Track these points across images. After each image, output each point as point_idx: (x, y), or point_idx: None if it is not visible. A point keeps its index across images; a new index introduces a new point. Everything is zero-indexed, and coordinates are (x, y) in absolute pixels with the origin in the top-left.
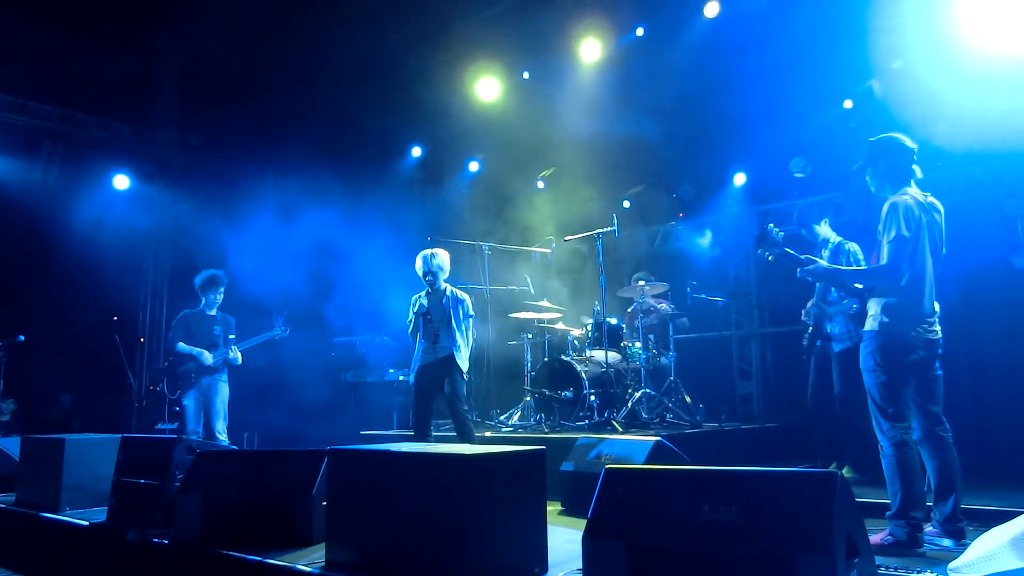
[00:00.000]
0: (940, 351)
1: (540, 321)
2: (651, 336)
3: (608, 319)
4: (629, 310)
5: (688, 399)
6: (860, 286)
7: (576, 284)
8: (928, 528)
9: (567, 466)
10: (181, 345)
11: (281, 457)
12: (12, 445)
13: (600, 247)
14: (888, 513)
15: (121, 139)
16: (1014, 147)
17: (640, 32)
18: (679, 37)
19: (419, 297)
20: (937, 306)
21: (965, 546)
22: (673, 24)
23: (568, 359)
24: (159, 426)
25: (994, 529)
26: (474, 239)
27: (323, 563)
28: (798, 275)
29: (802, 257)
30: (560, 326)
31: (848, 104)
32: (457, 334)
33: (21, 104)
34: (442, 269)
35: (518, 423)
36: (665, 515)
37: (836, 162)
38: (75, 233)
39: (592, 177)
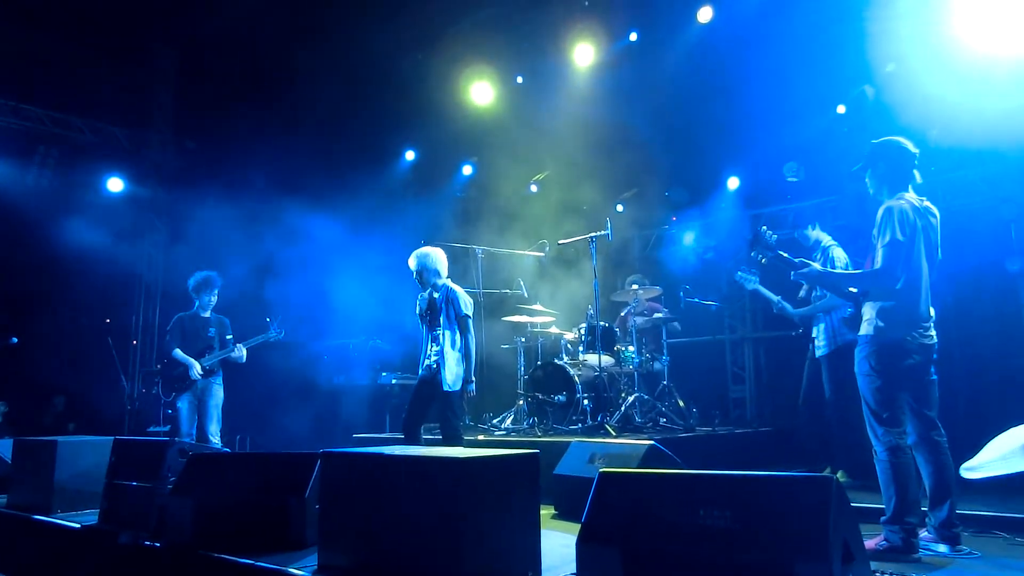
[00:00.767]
0: (935, 356)
1: (533, 325)
2: (644, 340)
3: (601, 323)
4: (622, 314)
5: (681, 403)
6: (854, 290)
7: (569, 288)
8: (923, 534)
9: (560, 470)
10: (177, 352)
11: (274, 460)
12: (4, 447)
13: (593, 251)
14: (883, 518)
15: (115, 143)
16: (1008, 150)
17: (633, 37)
18: (672, 42)
19: (419, 297)
20: (933, 311)
21: (961, 552)
22: (666, 29)
23: (561, 363)
24: (152, 428)
25: (1008, 431)
26: (467, 242)
27: (315, 567)
28: (792, 278)
29: (796, 260)
30: (553, 330)
31: (841, 109)
32: (446, 335)
33: (15, 107)
34: (428, 268)
35: (511, 427)
36: (660, 519)
37: (830, 166)
38: (68, 236)
39: (585, 181)
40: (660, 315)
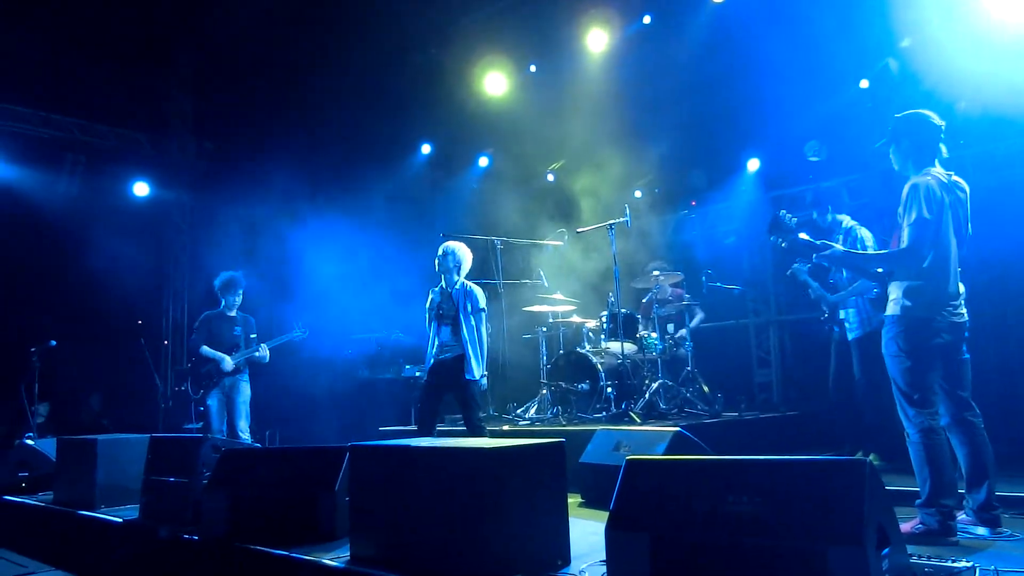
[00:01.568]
0: (967, 334)
1: (554, 314)
2: (667, 326)
3: (623, 310)
4: (644, 300)
5: (706, 389)
6: (881, 270)
7: (589, 276)
8: (961, 516)
9: (586, 458)
10: (205, 348)
11: (304, 454)
12: (48, 446)
13: (612, 238)
14: (918, 501)
15: (139, 148)
16: None
17: (647, 20)
18: (687, 23)
19: (432, 291)
20: (963, 288)
21: (1001, 535)
22: (680, 10)
23: (584, 351)
24: (186, 426)
25: None
26: (486, 234)
27: (348, 557)
28: (813, 260)
29: (818, 242)
30: (575, 318)
31: (864, 84)
32: (464, 330)
33: (45, 117)
34: (449, 264)
35: (535, 416)
36: (689, 506)
37: (853, 144)
38: (99, 240)
39: (602, 168)
40: (685, 301)
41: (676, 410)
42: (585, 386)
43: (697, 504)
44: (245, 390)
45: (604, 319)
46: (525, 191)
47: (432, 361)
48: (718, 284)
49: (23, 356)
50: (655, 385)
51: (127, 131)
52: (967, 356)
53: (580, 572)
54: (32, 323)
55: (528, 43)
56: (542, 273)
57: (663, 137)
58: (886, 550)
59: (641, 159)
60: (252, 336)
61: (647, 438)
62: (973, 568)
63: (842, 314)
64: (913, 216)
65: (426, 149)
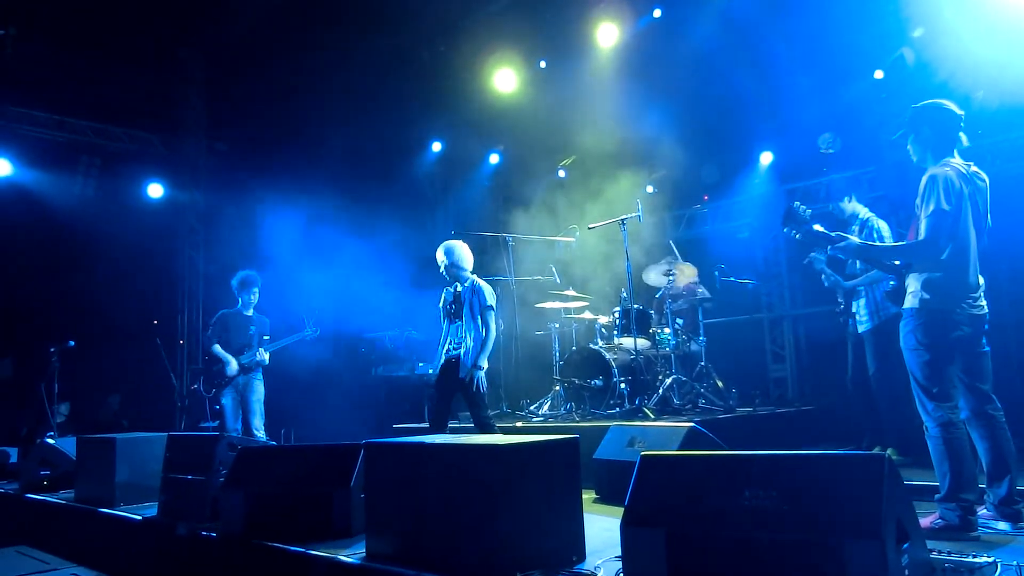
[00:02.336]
0: (987, 327)
1: (567, 310)
2: (680, 321)
3: (636, 305)
4: (657, 296)
5: (720, 384)
6: (899, 262)
7: (601, 272)
8: (982, 511)
9: (600, 454)
10: (216, 348)
11: (319, 451)
12: (69, 445)
13: (624, 233)
14: (937, 496)
15: (153, 149)
16: None
17: (657, 13)
18: (698, 15)
19: (445, 290)
20: (982, 280)
21: (1023, 530)
22: (691, 3)
23: (596, 347)
24: (202, 424)
25: None
26: (497, 231)
27: (364, 554)
28: (828, 252)
29: (832, 234)
30: (587, 314)
31: (879, 75)
32: (471, 327)
33: (59, 121)
34: (455, 262)
35: (548, 412)
36: (705, 501)
37: (867, 136)
38: (114, 241)
39: (614, 163)
40: (698, 295)
41: (690, 405)
42: (598, 382)
43: (713, 499)
44: (259, 389)
45: (617, 315)
46: (536, 187)
47: (442, 359)
48: (732, 278)
49: (42, 356)
50: (669, 381)
51: (141, 133)
52: (987, 349)
53: (595, 568)
54: (50, 323)
55: (538, 39)
56: (554, 269)
57: (675, 131)
58: (905, 544)
59: (653, 154)
60: (265, 337)
61: (661, 434)
62: (995, 564)
63: (853, 307)
64: (931, 207)
65: (437, 146)
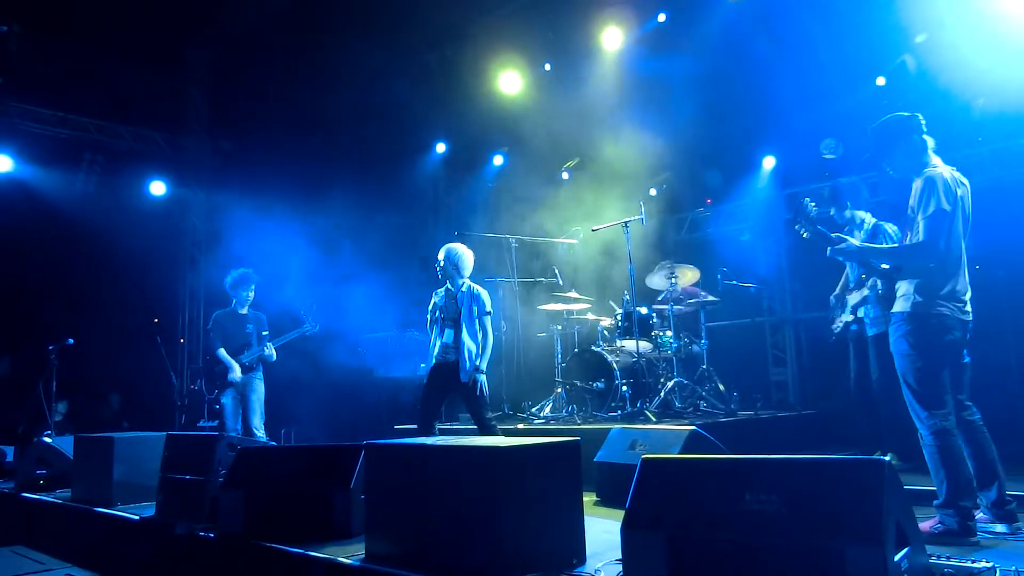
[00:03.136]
0: (970, 335)
1: (569, 312)
2: (682, 324)
3: (638, 308)
4: (659, 299)
5: (722, 387)
6: (887, 266)
7: (604, 274)
8: (979, 515)
9: (601, 457)
10: (221, 352)
11: (319, 452)
12: (66, 444)
13: (627, 236)
14: (936, 502)
15: (156, 147)
16: None
17: (662, 18)
18: (702, 21)
19: (435, 294)
20: (968, 285)
21: (1020, 531)
22: (696, 8)
23: (599, 350)
24: (201, 423)
25: None
26: (500, 232)
27: (363, 555)
28: (827, 255)
29: (832, 236)
30: (590, 317)
31: (881, 81)
32: (465, 332)
33: (63, 118)
34: (455, 264)
35: (550, 415)
36: (706, 505)
37: (869, 141)
38: (116, 239)
39: (617, 166)
40: (699, 299)
41: (691, 409)
42: (600, 384)
43: (714, 503)
44: (259, 388)
45: (619, 317)
46: (540, 189)
47: (433, 363)
48: (734, 282)
49: (41, 354)
50: (670, 384)
51: (144, 130)
52: (968, 360)
53: (596, 571)
54: (50, 321)
55: (543, 42)
56: (557, 271)
57: (678, 135)
58: (905, 549)
59: (656, 157)
60: (264, 333)
61: (663, 437)
62: (993, 568)
63: (861, 311)
64: (931, 208)
65: (441, 148)
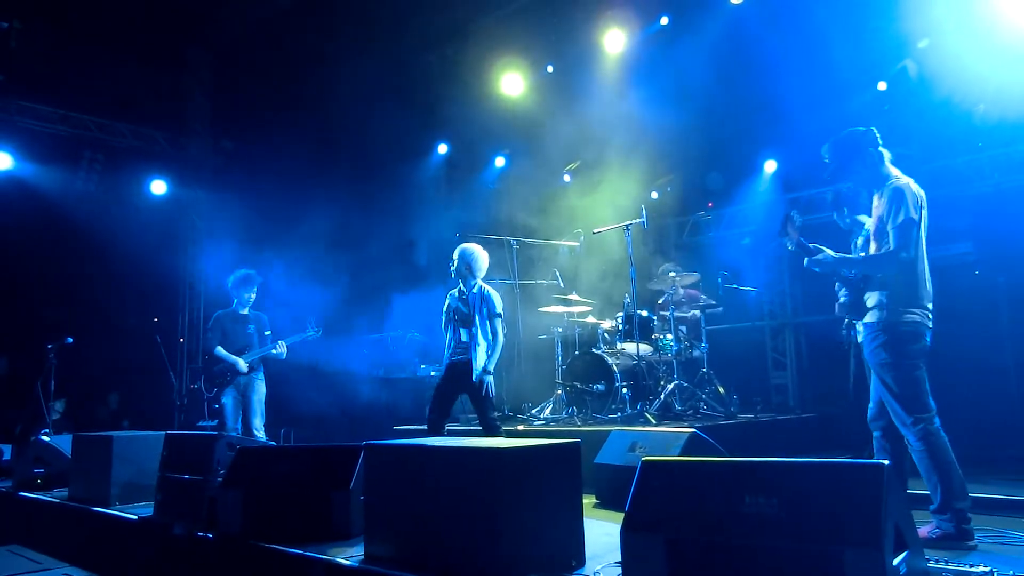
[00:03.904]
0: (930, 343)
1: (570, 315)
2: (683, 327)
3: (639, 311)
4: (660, 302)
5: (722, 390)
6: (853, 273)
7: (606, 277)
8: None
9: (601, 459)
10: (219, 350)
11: (319, 453)
12: (64, 443)
13: (629, 239)
14: (931, 507)
15: (157, 146)
16: None
17: (664, 21)
18: (704, 24)
19: (449, 295)
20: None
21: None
22: (698, 11)
23: (599, 352)
24: (200, 423)
25: None
26: (502, 234)
27: (362, 556)
28: (804, 265)
29: (810, 246)
30: (590, 319)
31: (882, 86)
32: (479, 334)
33: (63, 115)
34: (470, 265)
35: (550, 416)
36: (705, 508)
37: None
38: (116, 238)
39: (619, 169)
40: (699, 302)
41: (691, 411)
42: (600, 387)
43: (713, 506)
44: (260, 388)
45: (620, 320)
46: (542, 191)
47: (447, 363)
48: (735, 285)
49: (40, 352)
50: (670, 386)
51: (145, 129)
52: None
53: (595, 573)
54: (49, 319)
55: (545, 43)
56: (558, 273)
57: (680, 138)
58: (904, 553)
59: (658, 160)
60: (266, 333)
61: (663, 439)
62: (991, 573)
63: None
64: (901, 218)
65: (443, 149)
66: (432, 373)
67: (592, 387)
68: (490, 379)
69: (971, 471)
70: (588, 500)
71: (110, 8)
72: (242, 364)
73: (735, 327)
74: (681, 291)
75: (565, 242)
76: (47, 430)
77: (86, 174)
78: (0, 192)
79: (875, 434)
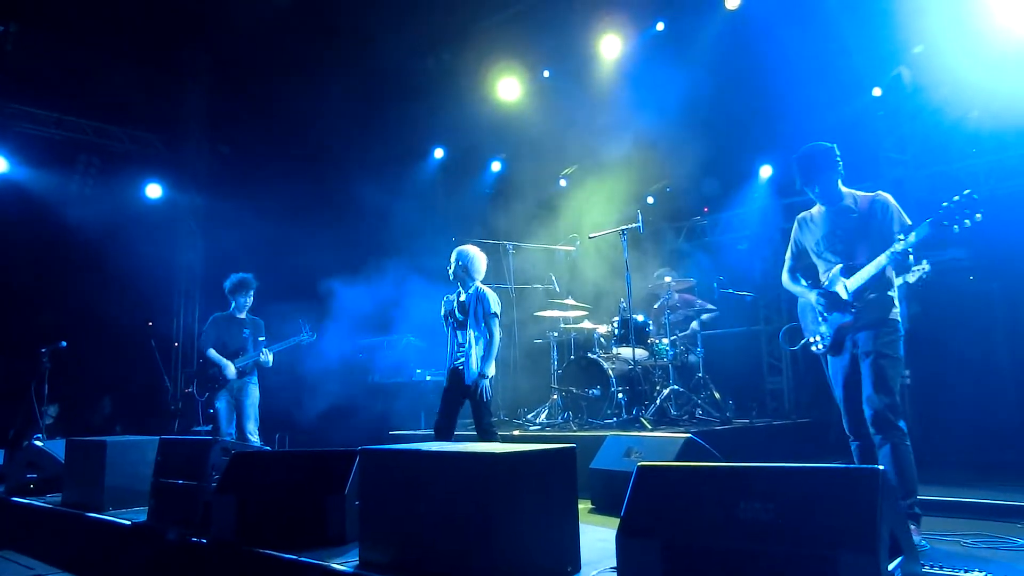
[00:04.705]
0: None
1: (566, 319)
2: (678, 332)
3: (634, 316)
4: (655, 306)
5: (717, 395)
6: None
7: (601, 281)
8: None
9: (597, 464)
10: (211, 352)
11: (313, 457)
12: (57, 447)
13: (625, 243)
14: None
15: (153, 150)
16: None
17: (660, 27)
18: (700, 30)
19: (446, 297)
20: None
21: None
22: (694, 17)
23: (595, 357)
24: (195, 428)
25: None
26: (498, 239)
27: (357, 562)
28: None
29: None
30: (586, 324)
31: (877, 92)
32: (477, 335)
33: (58, 119)
34: (468, 267)
35: (546, 421)
36: (701, 513)
37: (865, 151)
38: (111, 242)
39: (615, 174)
40: (696, 307)
41: (687, 416)
42: (596, 392)
43: (709, 511)
44: (254, 393)
45: (615, 325)
46: (538, 196)
47: (449, 368)
48: (730, 290)
49: (33, 357)
50: (666, 391)
51: (141, 133)
52: None
53: None
54: (43, 324)
55: (542, 49)
56: (554, 278)
57: (676, 143)
58: (899, 558)
59: (654, 165)
60: (261, 339)
61: (658, 444)
62: None
63: None
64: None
65: (439, 153)
66: (428, 377)
67: (588, 392)
68: (485, 382)
69: (966, 476)
70: (584, 505)
71: (106, 11)
72: (231, 369)
73: (730, 332)
74: (676, 296)
75: (561, 247)
76: (40, 435)
77: (82, 178)
78: None
79: (856, 443)
